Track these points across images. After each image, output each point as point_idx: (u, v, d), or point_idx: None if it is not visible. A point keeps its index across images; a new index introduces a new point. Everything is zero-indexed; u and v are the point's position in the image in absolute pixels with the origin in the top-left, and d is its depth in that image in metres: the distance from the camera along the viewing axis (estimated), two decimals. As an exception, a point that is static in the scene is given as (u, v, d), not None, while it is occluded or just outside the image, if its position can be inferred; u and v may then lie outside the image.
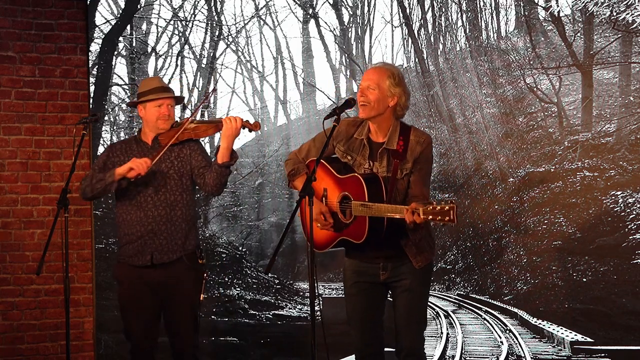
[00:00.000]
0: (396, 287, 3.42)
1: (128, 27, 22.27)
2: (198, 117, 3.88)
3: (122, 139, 26.47)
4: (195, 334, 3.78)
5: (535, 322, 12.91)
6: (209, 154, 3.90)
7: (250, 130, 3.68)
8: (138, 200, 3.74)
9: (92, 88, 17.65)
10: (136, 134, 3.92)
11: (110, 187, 3.70)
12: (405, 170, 3.32)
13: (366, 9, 38.50)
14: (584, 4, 18.93)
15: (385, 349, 3.53)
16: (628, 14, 16.69)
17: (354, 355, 3.56)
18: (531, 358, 9.80)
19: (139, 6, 21.68)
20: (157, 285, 3.72)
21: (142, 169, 3.62)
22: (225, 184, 3.74)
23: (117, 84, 24.60)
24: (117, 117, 26.32)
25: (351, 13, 38.07)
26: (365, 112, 3.36)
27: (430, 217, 3.02)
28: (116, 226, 3.87)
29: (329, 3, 37.36)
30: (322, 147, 3.42)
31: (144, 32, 29.51)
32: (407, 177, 3.31)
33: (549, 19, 22.91)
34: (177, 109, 4.02)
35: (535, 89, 22.99)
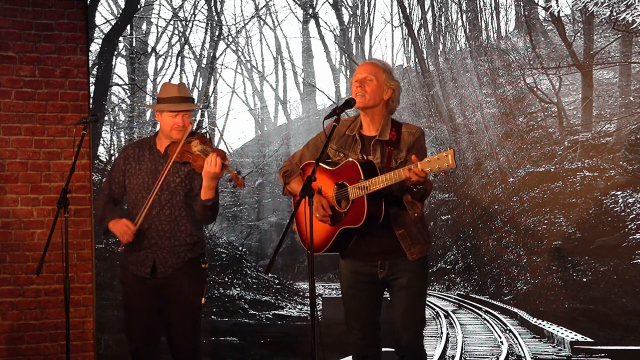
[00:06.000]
0: (393, 285, 3.42)
1: (128, 27, 22.25)
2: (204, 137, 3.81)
3: (123, 139, 26.18)
4: (195, 337, 3.77)
5: (535, 322, 12.91)
6: None
7: (234, 186, 3.61)
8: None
9: (92, 88, 17.64)
10: (152, 136, 3.88)
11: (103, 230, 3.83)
12: (400, 159, 3.34)
13: (366, 9, 38.60)
14: (584, 4, 18.93)
15: (383, 349, 3.53)
16: (628, 14, 16.69)
17: (351, 357, 3.56)
18: (531, 358, 9.80)
19: (139, 6, 21.66)
20: (157, 289, 3.73)
21: (129, 238, 3.65)
22: (212, 217, 3.71)
23: (117, 84, 24.59)
24: (117, 117, 26.33)
25: (351, 13, 38.13)
26: (362, 101, 3.39)
27: (429, 168, 3.01)
28: None
29: (329, 3, 37.44)
30: (316, 152, 3.47)
31: (144, 32, 29.55)
32: (401, 165, 3.28)
33: (549, 19, 22.93)
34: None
35: (535, 89, 23.00)
